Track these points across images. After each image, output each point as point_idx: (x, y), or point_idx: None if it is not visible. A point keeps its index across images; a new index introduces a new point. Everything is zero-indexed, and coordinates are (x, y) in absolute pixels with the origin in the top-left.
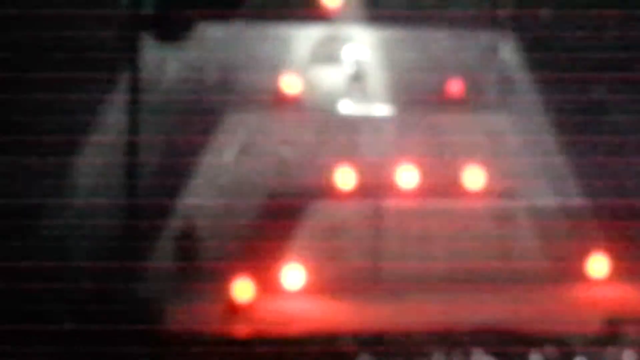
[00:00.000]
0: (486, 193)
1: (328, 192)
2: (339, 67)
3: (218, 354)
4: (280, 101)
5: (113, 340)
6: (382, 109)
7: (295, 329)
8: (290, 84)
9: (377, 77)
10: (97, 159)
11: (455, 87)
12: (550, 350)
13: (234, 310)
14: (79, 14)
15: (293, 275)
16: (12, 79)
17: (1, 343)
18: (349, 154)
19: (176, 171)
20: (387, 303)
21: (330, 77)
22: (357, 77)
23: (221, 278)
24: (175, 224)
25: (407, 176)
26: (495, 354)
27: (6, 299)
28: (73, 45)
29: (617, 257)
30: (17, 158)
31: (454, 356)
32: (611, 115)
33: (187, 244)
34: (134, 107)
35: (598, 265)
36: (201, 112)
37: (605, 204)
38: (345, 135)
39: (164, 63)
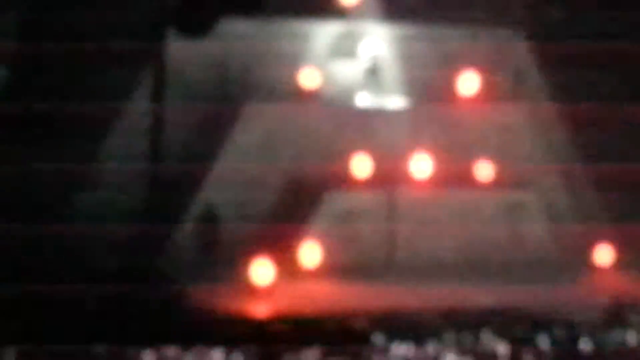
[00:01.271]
0: (496, 184)
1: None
2: (356, 61)
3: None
4: (299, 94)
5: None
6: (397, 102)
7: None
8: (309, 77)
9: (392, 72)
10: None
11: (468, 81)
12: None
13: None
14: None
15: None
16: None
17: None
18: (365, 145)
19: (202, 157)
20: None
21: (348, 72)
22: (374, 72)
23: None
24: (198, 207)
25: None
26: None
27: None
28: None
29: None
30: None
31: (464, 336)
32: None
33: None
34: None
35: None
36: (224, 103)
37: None
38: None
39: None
